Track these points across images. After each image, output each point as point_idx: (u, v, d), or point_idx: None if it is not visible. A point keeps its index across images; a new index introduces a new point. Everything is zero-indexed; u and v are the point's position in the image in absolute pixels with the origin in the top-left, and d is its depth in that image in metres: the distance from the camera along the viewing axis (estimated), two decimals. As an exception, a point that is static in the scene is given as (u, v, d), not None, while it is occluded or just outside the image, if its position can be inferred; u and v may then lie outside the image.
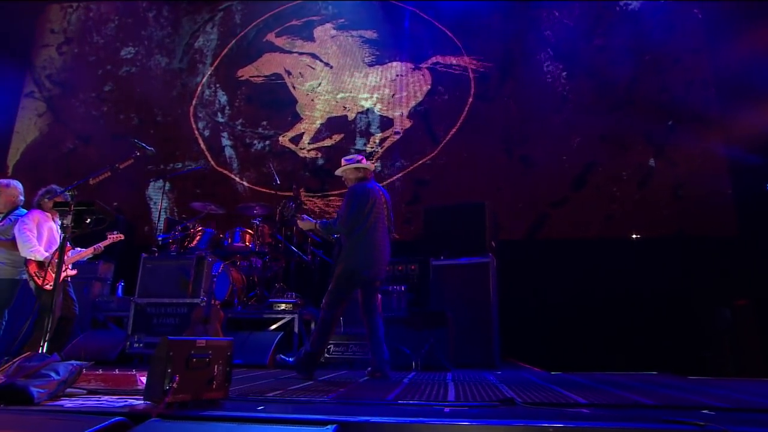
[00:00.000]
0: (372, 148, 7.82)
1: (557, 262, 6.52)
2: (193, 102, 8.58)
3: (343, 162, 3.79)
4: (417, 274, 4.66)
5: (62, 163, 8.64)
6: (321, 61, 8.35)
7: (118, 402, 1.75)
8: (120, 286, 4.91)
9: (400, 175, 7.65)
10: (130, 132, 8.59)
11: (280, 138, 8.12)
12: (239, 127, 8.33)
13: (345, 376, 3.22)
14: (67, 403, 1.72)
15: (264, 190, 7.88)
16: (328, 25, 8.49)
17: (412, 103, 7.91)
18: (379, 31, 8.27)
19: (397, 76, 8.07)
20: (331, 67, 8.30)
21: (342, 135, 7.95)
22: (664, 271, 6.20)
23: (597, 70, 7.47)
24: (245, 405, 1.77)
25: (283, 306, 4.23)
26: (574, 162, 7.23)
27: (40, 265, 3.86)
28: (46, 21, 9.26)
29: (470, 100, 7.79)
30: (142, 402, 1.72)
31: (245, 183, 8.07)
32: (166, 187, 8.32)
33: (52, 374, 1.77)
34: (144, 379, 2.01)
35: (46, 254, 3.87)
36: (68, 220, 2.62)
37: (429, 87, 7.93)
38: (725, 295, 5.75)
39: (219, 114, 8.46)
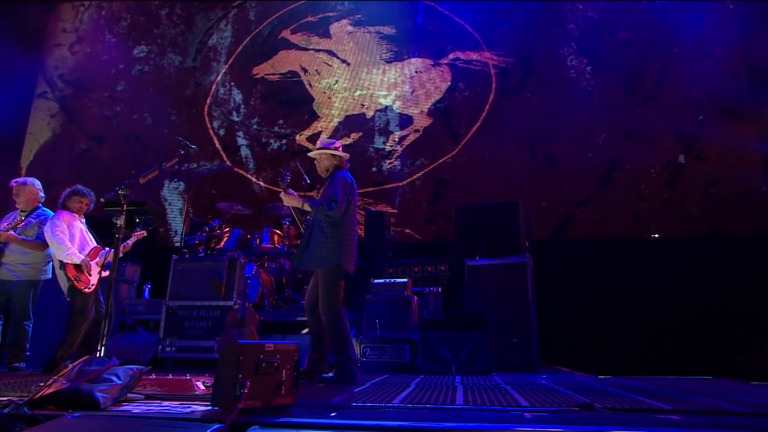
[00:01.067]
0: (391, 146, 7.65)
1: (583, 262, 6.33)
2: (208, 101, 8.44)
3: (321, 143, 3.52)
4: (447, 275, 4.49)
5: (75, 163, 8.53)
6: (338, 58, 8.18)
7: (183, 408, 1.61)
8: (147, 289, 4.78)
9: (420, 174, 7.48)
10: (143, 132, 8.47)
11: (297, 137, 7.97)
12: (255, 126, 8.19)
13: (392, 380, 3.05)
14: (134, 408, 1.59)
15: (281, 189, 7.72)
16: (344, 21, 8.32)
17: (432, 100, 7.73)
18: (397, 26, 8.10)
19: (416, 72, 7.89)
20: (348, 64, 8.13)
21: (360, 133, 7.79)
22: (695, 271, 6.00)
23: (623, 65, 7.26)
24: (316, 411, 1.63)
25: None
26: (600, 159, 7.04)
27: (78, 267, 3.77)
28: (57, 20, 9.15)
29: (491, 96, 7.61)
30: (210, 408, 1.57)
31: (262, 183, 7.93)
32: (181, 188, 8.24)
33: (114, 379, 1.65)
34: (200, 384, 1.87)
35: (82, 256, 3.78)
36: (121, 220, 2.47)
37: (449, 83, 7.75)
38: (762, 297, 5.55)
39: (234, 113, 8.31)
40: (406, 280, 4.06)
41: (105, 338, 3.13)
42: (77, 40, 9.01)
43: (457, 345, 3.40)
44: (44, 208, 4.17)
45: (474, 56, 7.78)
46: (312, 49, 8.29)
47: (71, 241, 3.82)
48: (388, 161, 7.61)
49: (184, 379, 2.09)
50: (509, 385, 2.68)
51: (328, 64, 8.20)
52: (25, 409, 1.42)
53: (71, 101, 8.77)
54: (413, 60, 7.95)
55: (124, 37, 8.93)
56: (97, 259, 3.90)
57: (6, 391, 2.01)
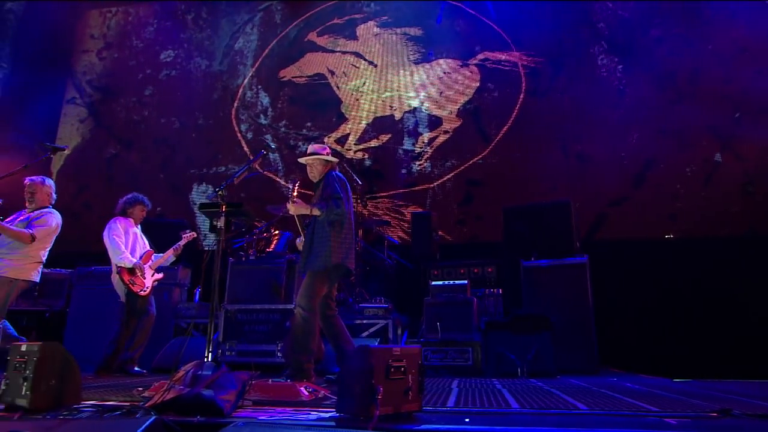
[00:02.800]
0: (421, 148, 7.62)
1: (619, 263, 6.24)
2: (235, 104, 8.47)
3: (313, 149, 3.54)
4: (495, 276, 4.45)
5: (104, 168, 8.59)
6: (365, 59, 8.17)
7: (304, 414, 1.58)
8: (197, 292, 4.79)
9: (450, 175, 7.44)
10: (171, 136, 8.51)
11: (326, 139, 7.95)
12: (283, 129, 8.20)
13: (467, 384, 3.01)
14: (258, 414, 1.57)
15: (311, 192, 7.71)
16: (371, 23, 8.31)
17: (461, 101, 7.69)
18: (424, 27, 8.07)
19: (444, 73, 7.86)
20: (376, 66, 8.12)
21: (389, 135, 7.76)
22: (734, 272, 5.90)
23: (655, 62, 7.17)
24: (448, 417, 1.59)
25: (375, 311, 4.06)
26: (634, 159, 6.95)
27: (131, 271, 3.78)
28: (85, 27, 9.23)
29: (521, 96, 7.55)
30: (336, 414, 1.54)
31: (291, 186, 7.90)
32: (210, 192, 8.26)
33: (229, 384, 1.62)
34: (303, 390, 1.85)
35: (134, 260, 3.80)
36: (221, 222, 2.45)
37: (478, 84, 7.70)
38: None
39: (262, 116, 8.33)
40: (465, 281, 4.03)
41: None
42: (105, 46, 9.09)
43: (521, 347, 3.36)
44: (52, 209, 3.92)
45: (503, 56, 7.73)
46: (339, 51, 8.28)
47: (126, 246, 3.85)
48: (417, 163, 7.58)
49: (287, 385, 2.06)
50: (608, 389, 2.62)
51: (355, 66, 8.18)
52: (153, 414, 1.40)
53: (100, 106, 8.84)
54: (441, 61, 7.91)
55: (151, 42, 8.99)
56: (150, 262, 3.91)
57: (108, 395, 2.00)
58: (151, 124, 8.64)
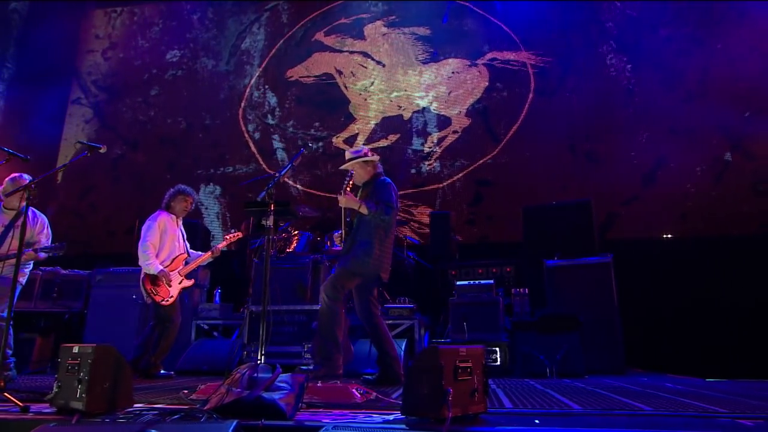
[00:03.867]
0: (430, 147, 7.60)
1: (631, 263, 6.23)
2: (242, 104, 8.43)
3: (352, 152, 3.49)
4: (513, 276, 4.43)
5: (111, 169, 8.53)
6: (373, 59, 8.15)
7: (367, 417, 1.55)
8: (217, 293, 4.74)
9: (460, 175, 7.43)
10: (177, 136, 8.46)
11: (334, 139, 7.93)
12: (291, 129, 8.16)
13: (504, 384, 2.99)
14: (323, 418, 1.53)
15: (319, 193, 7.71)
16: (378, 23, 8.29)
17: (470, 101, 7.68)
18: (432, 27, 8.06)
19: (453, 73, 7.85)
20: (384, 66, 8.10)
21: (398, 135, 7.74)
22: (748, 271, 5.90)
23: (664, 62, 7.19)
24: (515, 419, 1.57)
25: (400, 311, 4.03)
26: (643, 158, 6.96)
27: (154, 280, 3.73)
28: (90, 26, 9.16)
29: (530, 96, 7.55)
30: (401, 416, 1.51)
31: (299, 186, 7.89)
32: (218, 192, 8.22)
33: (286, 387, 1.59)
34: (355, 392, 1.82)
35: (160, 268, 3.75)
36: (270, 221, 2.40)
37: (487, 84, 7.70)
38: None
39: (269, 116, 8.29)
40: (491, 281, 4.02)
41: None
42: (110, 46, 9.02)
43: (549, 347, 3.34)
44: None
45: (511, 56, 7.72)
46: (346, 51, 8.25)
47: (160, 248, 3.79)
48: (427, 162, 7.56)
49: (339, 386, 2.03)
50: (653, 389, 2.59)
51: (363, 66, 8.16)
52: (216, 418, 1.37)
53: (105, 107, 8.78)
54: (450, 60, 7.90)
55: (157, 42, 8.93)
56: (180, 267, 3.84)
57: (152, 398, 1.96)
58: (158, 124, 8.59)
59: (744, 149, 6.67)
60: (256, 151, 8.17)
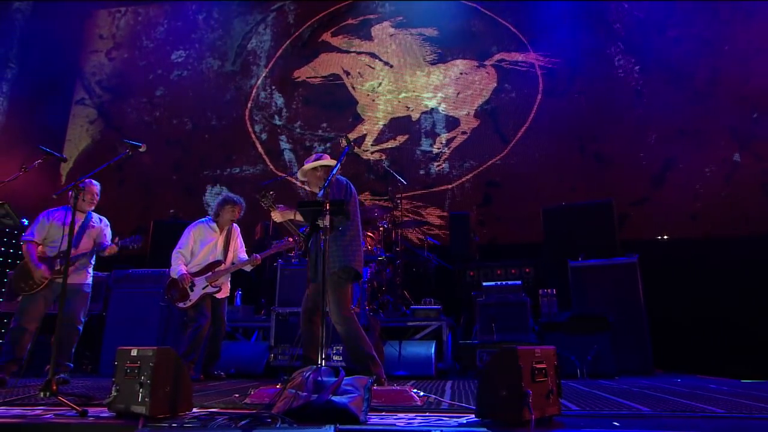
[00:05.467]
0: (439, 148, 7.59)
1: (643, 264, 6.24)
2: (249, 105, 8.38)
3: (306, 162, 3.49)
4: (533, 276, 4.42)
5: (115, 170, 8.42)
6: (380, 60, 8.13)
7: (438, 420, 1.52)
8: (238, 295, 4.69)
9: (469, 176, 7.42)
10: (183, 137, 8.39)
11: (342, 140, 7.88)
12: (298, 130, 8.12)
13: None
14: (397, 422, 1.50)
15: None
16: (386, 24, 8.27)
17: (479, 102, 7.67)
18: (440, 28, 8.05)
19: (461, 74, 7.84)
20: (392, 67, 8.08)
21: (406, 136, 7.73)
22: (759, 272, 5.92)
23: (673, 63, 7.22)
24: (592, 421, 1.54)
25: (426, 313, 4.00)
26: (653, 159, 6.99)
27: (173, 283, 3.76)
28: (94, 27, 9.08)
29: (539, 97, 7.56)
30: (476, 419, 1.49)
31: (307, 187, 7.82)
32: (224, 193, 8.16)
33: (353, 390, 1.55)
34: (414, 394, 1.79)
35: (181, 271, 3.76)
36: (326, 221, 2.36)
37: (495, 85, 7.70)
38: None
39: (276, 117, 8.25)
40: (519, 282, 4.00)
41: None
42: (114, 46, 8.94)
43: (579, 348, 3.33)
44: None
45: (519, 57, 7.73)
46: (354, 52, 8.23)
47: (195, 254, 3.81)
48: (436, 164, 7.55)
49: (398, 390, 2.00)
50: (702, 390, 2.56)
51: (370, 67, 8.14)
52: (292, 424, 1.34)
53: (110, 107, 8.69)
54: (458, 62, 7.90)
55: (162, 42, 8.86)
56: (208, 274, 3.82)
57: (204, 401, 1.92)
58: (163, 125, 8.52)
59: (753, 150, 6.71)
60: (263, 152, 8.12)
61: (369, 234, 4.35)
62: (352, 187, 3.31)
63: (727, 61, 6.99)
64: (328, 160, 3.38)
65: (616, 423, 1.44)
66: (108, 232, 3.98)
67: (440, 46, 7.96)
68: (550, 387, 1.51)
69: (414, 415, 1.64)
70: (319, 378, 1.61)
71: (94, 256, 3.82)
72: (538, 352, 1.53)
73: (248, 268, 3.99)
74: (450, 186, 7.45)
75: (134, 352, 1.70)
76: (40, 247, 3.69)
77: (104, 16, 9.07)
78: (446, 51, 7.93)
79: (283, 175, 7.66)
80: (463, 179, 7.43)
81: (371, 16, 8.34)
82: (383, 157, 7.74)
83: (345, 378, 1.64)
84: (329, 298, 3.06)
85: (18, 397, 2.17)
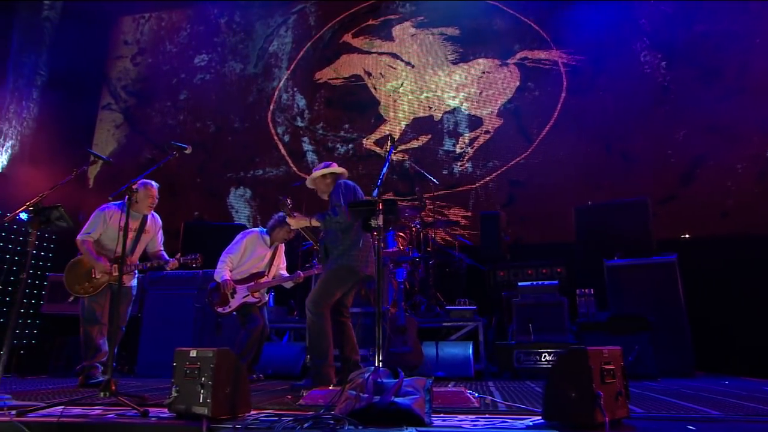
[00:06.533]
0: (462, 148, 7.55)
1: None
2: (271, 107, 8.44)
3: (314, 170, 3.60)
4: (565, 276, 4.36)
5: (141, 173, 8.55)
6: (402, 60, 8.12)
7: (504, 422, 1.51)
8: (271, 296, 4.73)
9: (493, 176, 7.37)
10: (207, 140, 8.48)
11: (364, 141, 7.91)
12: (320, 131, 8.16)
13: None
14: (462, 424, 1.49)
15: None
16: (407, 24, 8.26)
17: (502, 101, 7.62)
18: (461, 27, 8.01)
19: (484, 73, 7.79)
20: (413, 67, 8.07)
21: (429, 136, 7.71)
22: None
23: (701, 58, 7.07)
24: (664, 424, 1.50)
25: (461, 313, 3.99)
26: (681, 156, 6.85)
27: (216, 288, 3.80)
28: (119, 33, 9.23)
29: (563, 95, 7.47)
30: (543, 421, 1.47)
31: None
32: (248, 195, 8.23)
33: (414, 391, 1.54)
34: (470, 396, 1.78)
35: (224, 277, 3.79)
36: (379, 221, 2.36)
37: (518, 83, 7.63)
38: None
39: (298, 118, 8.29)
40: (556, 282, 3.96)
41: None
42: (139, 52, 9.08)
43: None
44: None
45: (543, 55, 7.66)
46: (375, 53, 8.24)
47: (242, 263, 3.86)
48: (459, 163, 7.52)
49: (454, 391, 1.99)
50: (762, 393, 2.49)
51: (392, 67, 8.14)
52: (357, 425, 1.34)
53: (135, 112, 8.83)
54: (480, 60, 7.85)
55: (185, 47, 8.98)
56: (251, 284, 3.87)
57: (260, 403, 1.93)
58: (187, 128, 8.62)
59: (786, 146, 6.54)
60: (286, 154, 8.17)
61: (400, 234, 4.34)
62: (360, 191, 3.38)
63: (758, 55, 6.82)
64: (335, 168, 3.48)
65: (691, 427, 1.41)
66: (161, 235, 4.00)
67: (462, 45, 7.92)
68: (618, 388, 1.48)
69: (475, 417, 1.63)
70: (379, 379, 1.61)
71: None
72: (606, 353, 1.50)
73: (289, 284, 4.03)
74: (474, 186, 7.41)
75: (193, 353, 1.71)
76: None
77: (129, 22, 9.22)
78: (468, 50, 7.89)
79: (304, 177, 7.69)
80: (487, 179, 7.39)
81: (392, 17, 8.34)
82: (406, 158, 7.73)
83: (408, 379, 1.63)
84: (316, 286, 3.17)
85: (78, 397, 2.21)
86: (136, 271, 3.79)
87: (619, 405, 1.48)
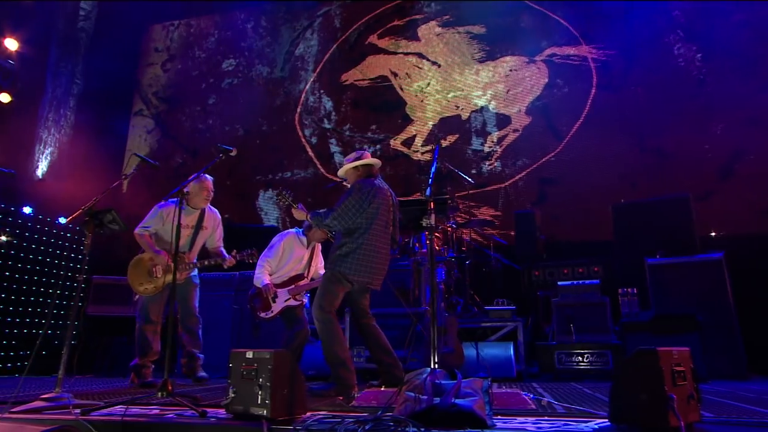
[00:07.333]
0: (490, 147, 7.48)
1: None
2: (298, 110, 8.51)
3: (345, 160, 3.46)
4: (602, 276, 4.27)
5: (173, 177, 8.72)
6: (428, 60, 8.09)
7: (566, 425, 1.48)
8: (307, 296, 4.76)
9: (522, 174, 7.28)
10: (235, 143, 8.58)
11: (392, 141, 7.90)
12: (347, 133, 8.18)
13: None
14: (526, 426, 1.47)
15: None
16: (432, 23, 8.23)
17: (530, 98, 7.52)
18: (487, 25, 7.93)
19: (511, 71, 7.70)
20: (439, 66, 8.03)
21: (457, 135, 7.66)
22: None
23: (739, 49, 6.83)
24: (747, 430, 1.45)
25: (500, 314, 3.95)
26: (719, 150, 6.64)
27: (257, 292, 3.79)
28: (150, 41, 9.45)
29: (593, 91, 7.33)
30: (609, 424, 1.44)
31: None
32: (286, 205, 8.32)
33: (474, 393, 1.53)
34: (526, 397, 1.76)
35: (265, 281, 3.78)
36: (432, 220, 2.35)
37: (546, 80, 7.52)
38: None
39: (325, 120, 8.34)
40: (597, 281, 3.89)
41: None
42: (169, 58, 9.28)
43: (666, 350, 3.18)
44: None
45: (571, 51, 7.53)
46: (401, 53, 8.23)
47: (281, 266, 3.86)
48: (488, 162, 7.44)
49: (510, 393, 1.97)
50: None
51: (418, 67, 8.11)
52: (420, 427, 1.33)
53: (166, 117, 9.02)
54: (507, 58, 7.76)
55: (213, 52, 9.13)
56: (292, 287, 3.86)
57: (312, 405, 1.94)
58: (216, 132, 8.76)
59: (831, 138, 6.28)
60: (313, 156, 8.23)
61: (436, 234, 4.31)
62: (380, 195, 3.18)
63: (800, 44, 6.57)
64: (368, 159, 3.36)
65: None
66: (220, 231, 4.03)
67: (488, 43, 7.84)
68: (690, 391, 1.43)
69: (535, 419, 1.60)
70: (437, 380, 1.59)
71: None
72: (676, 354, 1.46)
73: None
74: (503, 185, 7.33)
75: (249, 355, 1.73)
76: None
77: (159, 30, 9.43)
78: (494, 48, 7.81)
79: (338, 179, 7.72)
80: (516, 177, 7.30)
81: (417, 17, 8.32)
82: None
83: (467, 380, 1.61)
84: (317, 294, 3.10)
85: (136, 397, 2.26)
86: (195, 260, 3.85)
87: (691, 408, 1.43)
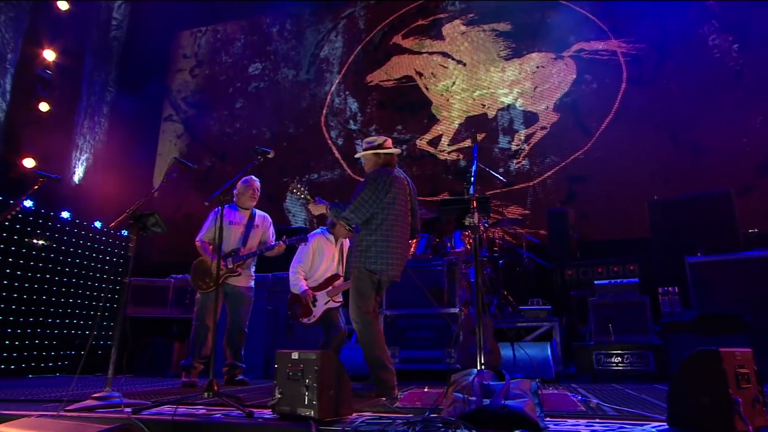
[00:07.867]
0: (517, 145, 7.39)
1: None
2: (324, 111, 8.56)
3: (363, 144, 3.36)
4: (638, 274, 4.16)
5: (202, 180, 8.88)
6: (453, 59, 8.04)
7: (625, 428, 1.45)
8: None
9: (551, 172, 7.16)
10: (262, 146, 8.69)
11: (418, 141, 7.89)
12: (373, 134, 8.18)
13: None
14: (579, 428, 1.44)
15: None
16: (456, 22, 8.17)
17: (558, 95, 7.39)
18: (513, 22, 7.84)
19: (538, 67, 7.59)
20: (465, 65, 7.97)
21: (483, 134, 7.58)
22: None
23: (779, 38, 6.59)
24: None
25: (536, 314, 3.90)
26: (758, 144, 6.41)
27: (295, 299, 3.76)
28: (178, 47, 9.65)
29: (623, 86, 7.17)
30: (668, 428, 1.40)
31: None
32: (303, 199, 8.39)
33: (523, 395, 1.51)
34: (574, 398, 1.72)
35: (303, 287, 3.77)
36: (475, 219, 2.33)
37: (574, 76, 7.39)
38: None
39: (351, 121, 8.37)
40: (636, 280, 3.80)
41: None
42: (197, 64, 9.46)
43: (712, 351, 3.08)
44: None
45: (600, 46, 7.38)
46: (425, 53, 8.20)
47: (315, 268, 3.87)
48: (515, 161, 7.35)
49: (558, 394, 1.95)
50: None
51: (443, 66, 8.07)
52: (471, 429, 1.32)
53: (194, 122, 9.19)
54: (533, 55, 7.65)
55: (239, 57, 9.27)
56: (329, 289, 3.81)
57: (358, 405, 1.95)
58: (244, 135, 8.89)
59: None
60: (340, 157, 8.27)
61: (466, 234, 4.28)
62: (396, 185, 3.12)
63: (844, 31, 6.30)
64: (392, 149, 3.32)
65: None
66: (272, 230, 4.17)
67: (514, 40, 7.75)
68: (755, 394, 1.37)
69: (587, 421, 1.56)
70: (485, 381, 1.57)
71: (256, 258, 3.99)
72: (739, 355, 1.40)
73: None
74: (531, 183, 7.23)
75: (295, 356, 1.74)
76: (211, 246, 3.92)
77: (187, 36, 9.62)
78: (520, 45, 7.71)
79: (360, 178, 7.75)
80: (545, 176, 7.19)
81: (441, 16, 8.28)
82: (461, 157, 7.65)
83: (516, 381, 1.58)
84: (350, 297, 3.07)
85: (184, 397, 2.31)
86: (253, 272, 3.94)
87: (757, 412, 1.37)
